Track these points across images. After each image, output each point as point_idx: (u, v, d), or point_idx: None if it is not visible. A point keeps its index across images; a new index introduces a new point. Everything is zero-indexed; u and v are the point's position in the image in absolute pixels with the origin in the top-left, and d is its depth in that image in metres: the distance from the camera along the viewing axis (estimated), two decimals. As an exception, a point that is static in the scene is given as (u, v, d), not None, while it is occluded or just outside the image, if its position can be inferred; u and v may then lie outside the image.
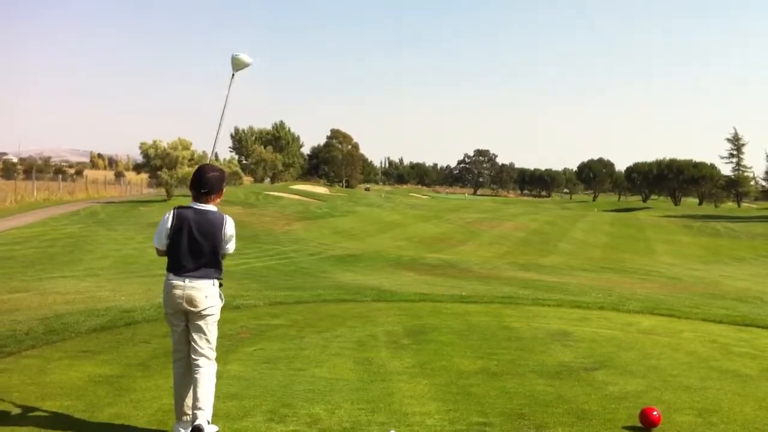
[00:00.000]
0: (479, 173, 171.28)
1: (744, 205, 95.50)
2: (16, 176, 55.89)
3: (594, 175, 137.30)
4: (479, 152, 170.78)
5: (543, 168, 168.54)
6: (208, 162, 4.58)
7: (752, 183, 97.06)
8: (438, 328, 7.47)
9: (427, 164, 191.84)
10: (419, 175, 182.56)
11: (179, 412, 4.02)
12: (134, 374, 5.29)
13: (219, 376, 4.14)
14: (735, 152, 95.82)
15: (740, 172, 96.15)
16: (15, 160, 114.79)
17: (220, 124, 4.83)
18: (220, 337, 4.21)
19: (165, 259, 4.05)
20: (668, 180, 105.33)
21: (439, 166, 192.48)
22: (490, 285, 15.89)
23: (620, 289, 17.06)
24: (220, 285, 4.08)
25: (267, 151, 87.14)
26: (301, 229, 32.86)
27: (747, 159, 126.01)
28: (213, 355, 4.05)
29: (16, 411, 4.34)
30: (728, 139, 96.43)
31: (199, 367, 3.95)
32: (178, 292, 3.93)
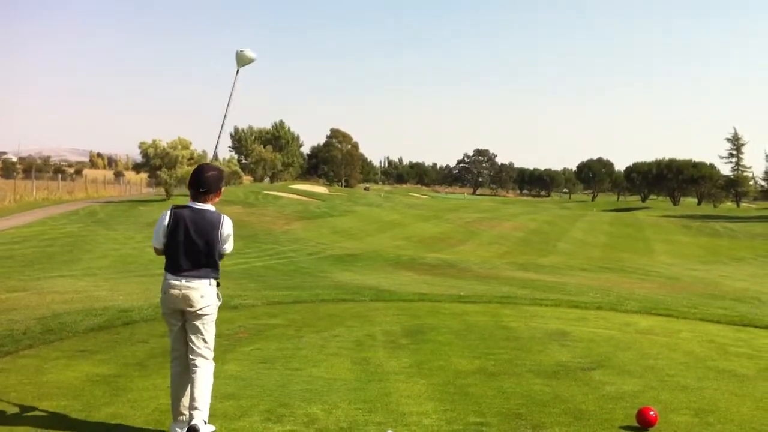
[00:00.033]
0: (479, 173, 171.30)
1: (743, 205, 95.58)
2: (16, 175, 55.93)
3: (593, 175, 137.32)
4: (479, 152, 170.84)
5: (542, 168, 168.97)
6: (210, 160, 4.57)
7: (751, 183, 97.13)
8: (436, 328, 7.48)
9: (426, 164, 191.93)
10: (418, 174, 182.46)
11: (176, 411, 4.01)
12: (131, 374, 5.29)
13: (216, 375, 4.14)
14: (734, 152, 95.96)
15: (740, 172, 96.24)
16: (14, 159, 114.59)
17: (224, 120, 4.86)
18: (217, 337, 4.20)
19: (164, 259, 4.05)
20: (667, 180, 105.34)
21: (438, 166, 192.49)
22: (488, 285, 15.91)
23: (618, 289, 17.08)
24: (218, 284, 4.08)
25: (266, 151, 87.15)
26: (300, 228, 32.87)
27: (746, 159, 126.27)
28: (210, 354, 4.04)
29: (13, 411, 4.33)
30: (728, 139, 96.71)
31: (196, 366, 3.94)
32: (174, 291, 3.92)
